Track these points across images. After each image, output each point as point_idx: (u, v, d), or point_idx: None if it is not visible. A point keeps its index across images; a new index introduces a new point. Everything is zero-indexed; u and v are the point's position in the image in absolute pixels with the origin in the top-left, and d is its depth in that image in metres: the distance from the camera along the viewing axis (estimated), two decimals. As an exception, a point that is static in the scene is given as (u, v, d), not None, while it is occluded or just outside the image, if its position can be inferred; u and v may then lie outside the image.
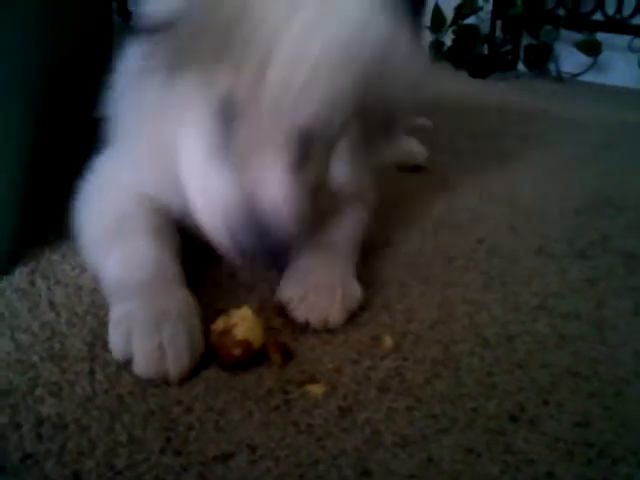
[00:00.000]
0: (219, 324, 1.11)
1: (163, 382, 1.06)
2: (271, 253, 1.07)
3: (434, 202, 1.87)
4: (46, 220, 1.37)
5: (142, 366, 1.06)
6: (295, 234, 1.08)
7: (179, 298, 1.14)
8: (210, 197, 1.09)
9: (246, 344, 1.09)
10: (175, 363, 1.06)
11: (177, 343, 1.07)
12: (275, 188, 1.07)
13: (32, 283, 1.33)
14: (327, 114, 1.07)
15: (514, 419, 1.04)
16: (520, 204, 1.89)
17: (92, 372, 1.09)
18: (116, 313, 1.13)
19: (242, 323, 1.09)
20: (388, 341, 1.20)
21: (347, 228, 1.39)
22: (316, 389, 1.07)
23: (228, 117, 1.07)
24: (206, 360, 1.11)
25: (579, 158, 2.34)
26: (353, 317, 1.25)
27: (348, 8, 1.10)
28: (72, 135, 1.32)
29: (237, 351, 1.08)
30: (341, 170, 1.19)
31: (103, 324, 1.16)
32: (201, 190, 1.11)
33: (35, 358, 1.11)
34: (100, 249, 1.27)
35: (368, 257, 1.47)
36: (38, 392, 1.04)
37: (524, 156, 2.34)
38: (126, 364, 1.08)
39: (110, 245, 1.24)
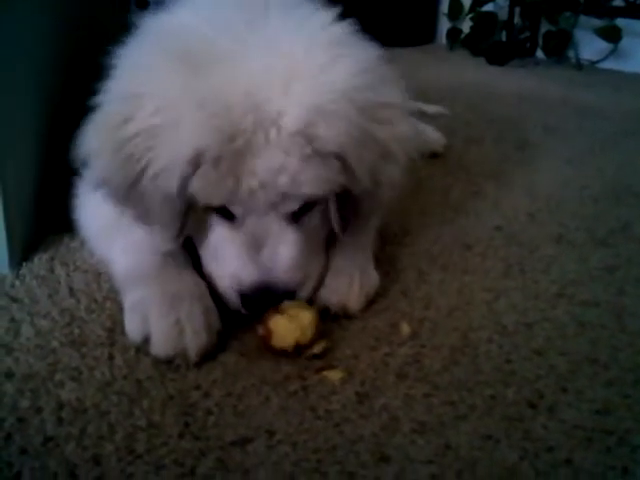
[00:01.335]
0: (271, 322, 1.11)
1: (182, 361, 1.08)
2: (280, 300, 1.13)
3: (452, 189, 1.86)
4: (64, 208, 1.38)
5: (160, 344, 1.08)
6: (298, 281, 1.16)
7: (190, 281, 1.16)
8: (226, 267, 1.16)
9: (282, 350, 1.10)
10: (193, 340, 1.08)
11: (194, 320, 1.09)
12: (278, 246, 1.14)
13: (51, 270, 1.34)
14: (316, 190, 1.11)
15: (533, 406, 1.04)
16: (539, 192, 1.87)
17: (111, 357, 1.10)
18: (130, 299, 1.15)
19: (280, 331, 1.10)
20: (406, 328, 1.20)
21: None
22: (334, 375, 1.07)
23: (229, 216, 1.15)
24: (224, 344, 1.13)
25: (598, 146, 2.31)
26: (371, 304, 1.25)
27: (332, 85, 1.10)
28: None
29: (276, 351, 1.11)
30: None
31: (122, 310, 1.17)
32: (218, 264, 1.18)
33: (55, 343, 1.13)
34: (103, 241, 1.30)
35: (386, 245, 1.47)
36: (58, 377, 1.05)
37: (543, 144, 2.32)
38: (144, 345, 1.10)
39: (113, 236, 1.26)
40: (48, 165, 1.52)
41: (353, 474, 0.90)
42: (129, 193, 1.13)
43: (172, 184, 1.08)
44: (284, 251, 1.14)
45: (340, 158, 1.10)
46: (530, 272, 1.43)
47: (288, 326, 1.09)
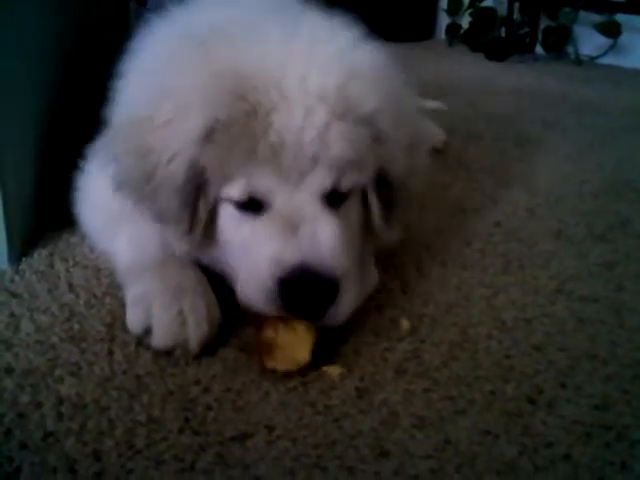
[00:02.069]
0: (267, 336, 1.06)
1: (182, 352, 1.08)
2: (322, 300, 1.05)
3: (451, 185, 1.86)
4: (64, 203, 1.38)
5: (162, 335, 1.08)
6: (342, 270, 1.06)
7: (192, 275, 1.16)
8: (260, 255, 1.06)
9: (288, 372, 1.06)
10: (195, 330, 1.08)
11: (197, 312, 1.09)
12: (317, 226, 1.06)
13: (51, 265, 1.34)
14: (348, 152, 1.07)
15: (532, 402, 1.04)
16: (538, 188, 1.87)
17: (111, 353, 1.10)
18: (132, 292, 1.15)
19: (285, 346, 1.05)
20: (405, 324, 1.20)
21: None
22: (333, 371, 1.07)
23: (254, 206, 1.09)
24: (224, 339, 1.13)
25: (598, 141, 2.31)
26: (371, 300, 1.25)
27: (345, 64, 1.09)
28: (86, 119, 1.33)
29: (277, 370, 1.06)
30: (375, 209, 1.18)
31: (122, 305, 1.17)
32: (249, 258, 1.08)
33: (55, 339, 1.13)
34: (105, 235, 1.29)
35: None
36: (58, 372, 1.05)
37: (542, 139, 2.32)
38: (145, 335, 1.10)
39: (115, 230, 1.25)
40: (48, 160, 1.51)
41: (352, 469, 0.90)
42: (146, 189, 1.10)
43: (181, 167, 1.05)
44: (324, 233, 1.06)
45: (373, 124, 1.08)
46: (529, 268, 1.43)
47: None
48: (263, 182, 1.06)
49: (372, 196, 1.16)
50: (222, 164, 1.05)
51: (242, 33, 1.10)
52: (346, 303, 1.07)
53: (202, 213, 1.09)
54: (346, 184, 1.10)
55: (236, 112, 1.03)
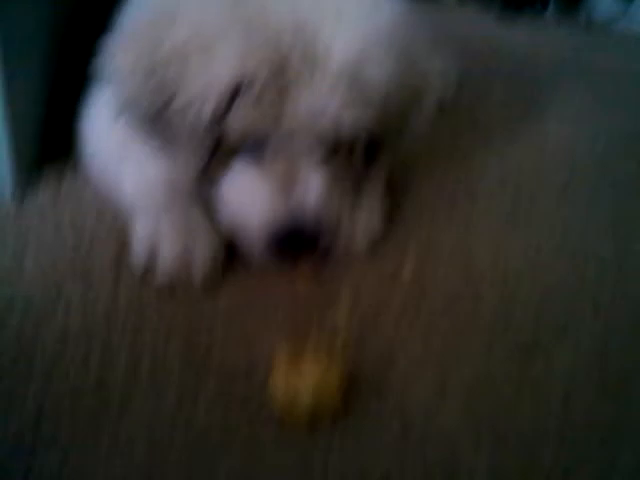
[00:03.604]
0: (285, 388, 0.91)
1: (186, 288, 1.10)
2: (308, 244, 1.08)
3: (457, 142, 1.84)
4: (68, 142, 1.37)
5: (166, 270, 1.10)
6: (328, 223, 1.10)
7: (198, 212, 1.16)
8: (254, 206, 1.08)
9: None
10: (200, 266, 1.11)
11: (202, 248, 1.11)
12: (309, 186, 1.08)
13: (56, 204, 1.33)
14: (354, 132, 1.07)
15: (530, 352, 1.06)
16: (546, 146, 1.85)
17: (115, 290, 1.11)
18: (138, 229, 1.16)
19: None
20: (407, 272, 1.21)
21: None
22: None
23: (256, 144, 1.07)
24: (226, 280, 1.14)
25: (607, 102, 2.28)
26: (374, 247, 1.25)
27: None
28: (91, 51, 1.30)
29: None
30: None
31: (126, 244, 1.18)
32: (244, 205, 1.10)
33: (58, 276, 1.13)
34: (111, 172, 1.27)
35: (390, 193, 1.45)
36: (61, 308, 1.07)
37: (551, 99, 2.29)
38: (150, 270, 1.11)
39: (120, 167, 1.23)
40: (54, 97, 1.50)
41: (353, 408, 0.93)
42: (155, 121, 1.07)
43: (204, 116, 1.01)
44: (315, 189, 1.08)
45: (383, 105, 1.07)
46: (534, 224, 1.43)
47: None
48: (272, 141, 1.06)
49: (358, 149, 1.15)
50: (242, 127, 1.03)
51: None
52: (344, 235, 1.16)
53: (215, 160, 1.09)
54: (346, 139, 1.10)
55: (273, 83, 1.00)
